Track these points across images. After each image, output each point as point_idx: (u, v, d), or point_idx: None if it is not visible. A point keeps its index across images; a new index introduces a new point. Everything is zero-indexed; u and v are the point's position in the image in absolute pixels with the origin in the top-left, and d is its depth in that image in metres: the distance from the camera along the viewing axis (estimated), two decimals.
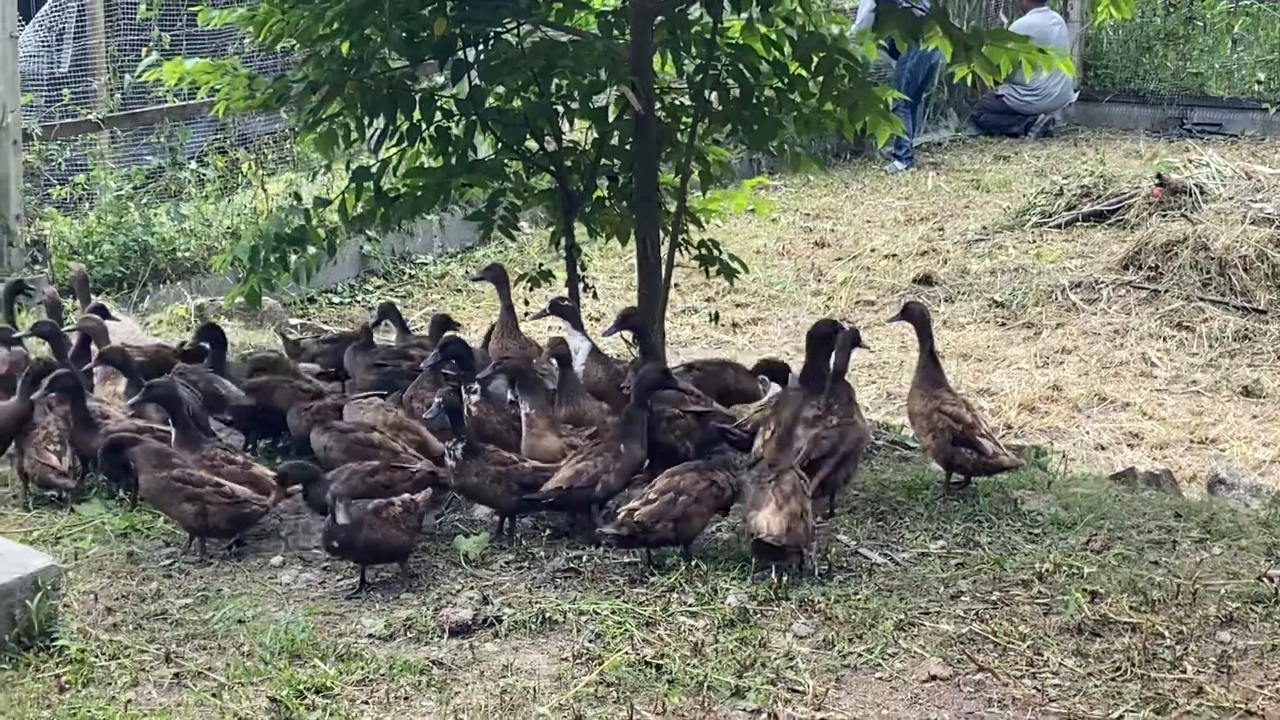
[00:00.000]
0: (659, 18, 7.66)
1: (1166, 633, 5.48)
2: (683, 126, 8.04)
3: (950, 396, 6.95)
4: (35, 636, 5.24)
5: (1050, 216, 14.13)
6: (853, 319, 11.82)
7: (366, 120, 7.77)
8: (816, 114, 7.92)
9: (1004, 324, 11.64)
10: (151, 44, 12.31)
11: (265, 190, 12.53)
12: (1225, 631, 5.52)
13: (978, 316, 11.80)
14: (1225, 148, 16.77)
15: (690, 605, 5.67)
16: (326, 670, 5.14)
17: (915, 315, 7.20)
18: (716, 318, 10.04)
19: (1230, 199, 12.88)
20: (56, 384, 6.78)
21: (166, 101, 12.38)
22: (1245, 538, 6.46)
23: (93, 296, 9.05)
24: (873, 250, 13.63)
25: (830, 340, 6.86)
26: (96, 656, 5.23)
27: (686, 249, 8.35)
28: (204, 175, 12.82)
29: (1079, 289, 11.99)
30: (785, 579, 5.78)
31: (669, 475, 6.15)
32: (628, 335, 7.88)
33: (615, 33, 7.86)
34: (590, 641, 5.38)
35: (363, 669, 5.17)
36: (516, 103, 8.09)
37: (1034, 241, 13.67)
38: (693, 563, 5.95)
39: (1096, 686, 5.12)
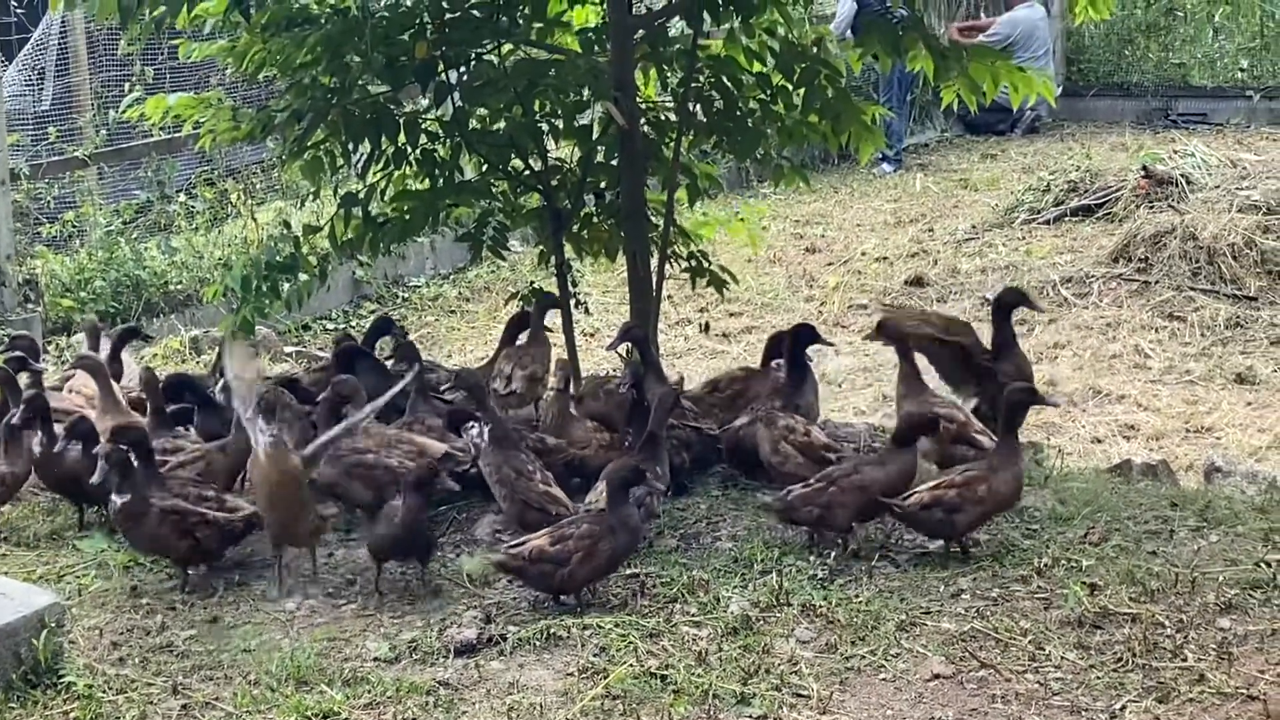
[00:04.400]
0: (639, 33, 7.70)
1: (1166, 622, 5.51)
2: (668, 140, 8.07)
3: (939, 399, 6.99)
4: (42, 674, 5.25)
5: (1038, 213, 14.20)
6: (845, 323, 11.86)
7: (351, 146, 7.80)
8: (800, 125, 7.96)
9: None
10: (134, 79, 12.35)
11: (255, 220, 12.56)
12: (1225, 618, 5.54)
13: (970, 315, 11.75)
14: (1211, 137, 16.85)
15: (693, 615, 5.69)
16: (334, 695, 5.15)
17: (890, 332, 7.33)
18: (707, 328, 10.04)
19: (1216, 188, 12.92)
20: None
21: (152, 136, 12.42)
22: (1242, 524, 6.48)
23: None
24: (863, 254, 13.68)
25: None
26: (104, 691, 5.24)
27: (676, 262, 8.38)
28: (193, 207, 12.86)
29: (1070, 284, 12.03)
30: (785, 584, 5.82)
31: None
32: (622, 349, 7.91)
33: (596, 50, 7.90)
34: (595, 655, 5.40)
35: (370, 692, 5.19)
36: (501, 123, 8.10)
37: (1023, 238, 13.74)
38: (693, 573, 5.99)
39: (1099, 678, 5.14)
